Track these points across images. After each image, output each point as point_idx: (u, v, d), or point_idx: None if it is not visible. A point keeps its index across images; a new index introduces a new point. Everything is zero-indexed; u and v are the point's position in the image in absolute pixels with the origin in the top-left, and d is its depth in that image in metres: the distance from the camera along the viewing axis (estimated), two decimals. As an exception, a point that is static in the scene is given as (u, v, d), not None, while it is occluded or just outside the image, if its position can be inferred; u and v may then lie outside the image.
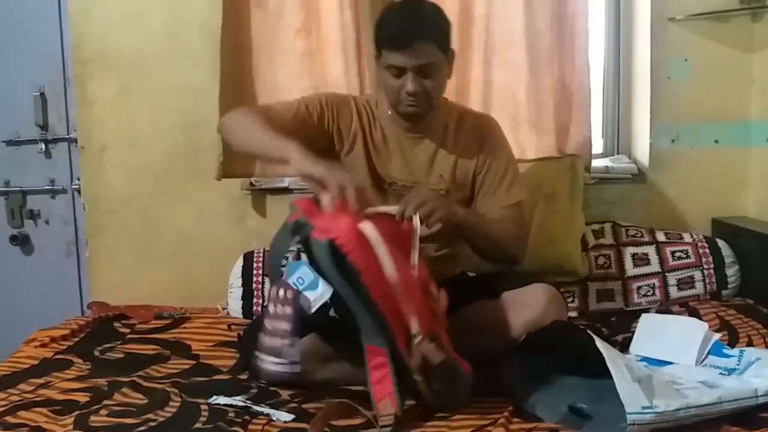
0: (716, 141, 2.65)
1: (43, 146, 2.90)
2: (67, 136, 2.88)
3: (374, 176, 2.01)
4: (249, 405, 1.68)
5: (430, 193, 1.88)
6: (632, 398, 1.45)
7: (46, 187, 2.93)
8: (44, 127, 2.89)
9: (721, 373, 1.74)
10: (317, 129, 1.97)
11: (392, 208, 1.68)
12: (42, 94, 2.88)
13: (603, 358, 1.52)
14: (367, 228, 1.52)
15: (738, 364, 1.74)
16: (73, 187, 2.88)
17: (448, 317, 1.69)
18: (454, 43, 2.50)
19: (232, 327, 2.29)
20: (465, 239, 1.97)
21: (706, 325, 1.92)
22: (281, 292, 1.59)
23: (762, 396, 1.56)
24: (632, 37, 2.72)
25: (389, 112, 2.00)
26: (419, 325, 1.53)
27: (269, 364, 1.58)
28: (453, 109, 2.07)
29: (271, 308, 1.60)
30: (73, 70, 2.64)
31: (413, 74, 1.84)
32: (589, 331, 1.66)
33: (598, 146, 2.78)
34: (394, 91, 1.89)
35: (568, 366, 1.68)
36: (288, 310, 1.58)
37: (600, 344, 1.57)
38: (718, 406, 1.51)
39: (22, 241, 2.95)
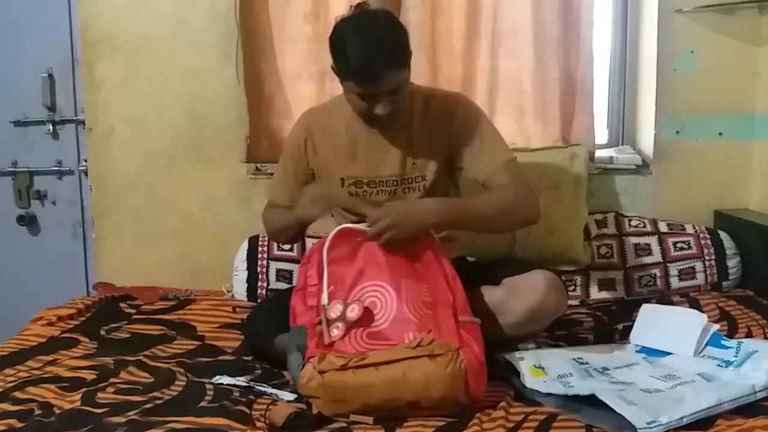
0: (720, 134, 2.66)
1: (51, 127, 2.91)
2: (75, 118, 2.90)
3: (340, 178, 2.02)
4: (252, 385, 1.71)
5: (396, 210, 1.81)
6: (635, 417, 1.47)
7: (54, 168, 2.94)
8: (52, 108, 2.91)
9: (718, 365, 1.76)
10: (311, 180, 2.08)
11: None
12: (50, 76, 2.89)
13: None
14: None
15: (735, 356, 1.75)
16: (80, 168, 2.90)
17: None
18: (462, 31, 2.56)
19: (237, 309, 2.31)
20: (463, 228, 1.96)
21: (705, 316, 1.94)
22: None
23: (760, 391, 1.59)
24: (639, 28, 2.73)
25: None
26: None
27: None
28: (418, 93, 1.99)
29: None
30: (81, 52, 2.66)
31: (384, 98, 1.81)
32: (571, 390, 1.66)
33: (602, 137, 2.79)
34: (362, 110, 1.86)
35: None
36: None
37: (587, 388, 1.60)
38: (718, 407, 1.53)
39: (29, 222, 2.97)
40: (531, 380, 1.68)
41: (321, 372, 1.55)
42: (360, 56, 1.75)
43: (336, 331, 1.65)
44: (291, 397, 1.65)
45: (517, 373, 1.72)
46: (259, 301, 2.41)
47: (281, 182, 2.11)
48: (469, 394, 1.58)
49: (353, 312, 1.67)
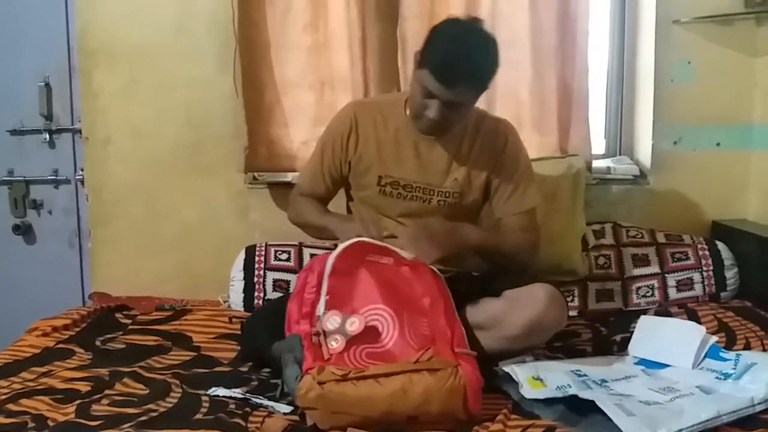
0: (718, 144, 2.66)
1: (47, 136, 2.90)
2: (72, 127, 2.89)
3: (378, 176, 2.04)
4: (248, 397, 1.70)
5: (432, 230, 1.90)
6: (633, 429, 1.47)
7: (50, 177, 2.93)
8: (49, 117, 2.90)
9: (717, 377, 1.75)
10: (347, 171, 2.10)
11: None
12: (47, 84, 2.88)
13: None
14: None
15: (734, 369, 1.75)
16: (77, 177, 2.89)
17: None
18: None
19: (233, 320, 2.30)
20: (478, 256, 2.02)
21: (703, 328, 1.93)
22: None
23: (759, 404, 1.59)
24: (637, 38, 2.73)
25: (408, 112, 2.02)
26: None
27: None
28: (472, 112, 2.04)
29: None
30: (78, 61, 2.65)
31: (441, 104, 1.84)
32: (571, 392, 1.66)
33: (600, 147, 2.80)
34: (417, 105, 1.90)
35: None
36: None
37: (586, 395, 1.60)
38: (717, 420, 1.53)
39: (24, 231, 2.96)
40: (529, 391, 1.67)
41: (320, 383, 1.54)
42: (452, 55, 1.80)
43: (335, 344, 1.65)
44: (287, 409, 1.64)
45: (515, 384, 1.71)
46: (255, 310, 2.39)
47: (315, 169, 2.13)
48: (467, 410, 1.57)
49: (353, 326, 1.67)
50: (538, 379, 1.71)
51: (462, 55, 1.79)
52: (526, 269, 2.05)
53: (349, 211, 2.20)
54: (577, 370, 1.79)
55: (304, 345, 1.66)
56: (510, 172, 2.03)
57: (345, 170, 2.09)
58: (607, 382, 1.76)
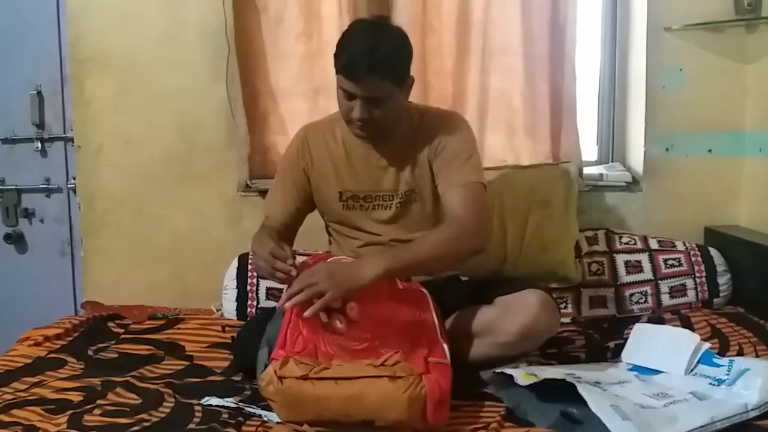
0: (710, 150, 2.67)
1: (39, 145, 2.89)
2: (64, 135, 2.88)
3: (339, 192, 2.04)
4: (241, 406, 1.69)
5: (324, 272, 1.70)
6: None
7: (42, 186, 2.92)
8: (40, 125, 2.89)
9: (710, 383, 1.75)
10: (310, 189, 2.07)
11: None
12: (39, 93, 2.87)
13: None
14: None
15: (727, 374, 1.75)
16: (69, 186, 2.88)
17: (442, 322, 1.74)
18: (452, 49, 2.57)
19: (226, 329, 2.29)
20: (410, 275, 1.91)
21: (697, 336, 1.93)
22: None
23: (752, 410, 1.59)
24: (628, 45, 2.74)
25: None
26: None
27: None
28: (415, 111, 2.04)
29: None
30: (70, 69, 2.64)
31: (362, 102, 1.84)
32: (569, 380, 1.65)
33: (592, 154, 2.81)
34: (344, 111, 1.90)
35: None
36: None
37: (582, 390, 1.59)
38: (711, 426, 1.53)
39: (16, 240, 2.94)
40: (522, 381, 1.67)
41: (281, 378, 1.56)
42: (352, 52, 1.82)
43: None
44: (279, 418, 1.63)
45: (509, 392, 1.70)
46: (248, 319, 2.39)
47: (278, 195, 2.10)
48: (426, 422, 1.55)
49: (353, 311, 1.71)
50: (533, 374, 1.71)
51: (363, 48, 1.80)
52: (478, 253, 1.88)
53: (330, 243, 2.19)
54: (570, 373, 1.78)
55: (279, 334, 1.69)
56: (447, 146, 1.96)
57: (308, 189, 2.07)
58: (600, 383, 1.75)
